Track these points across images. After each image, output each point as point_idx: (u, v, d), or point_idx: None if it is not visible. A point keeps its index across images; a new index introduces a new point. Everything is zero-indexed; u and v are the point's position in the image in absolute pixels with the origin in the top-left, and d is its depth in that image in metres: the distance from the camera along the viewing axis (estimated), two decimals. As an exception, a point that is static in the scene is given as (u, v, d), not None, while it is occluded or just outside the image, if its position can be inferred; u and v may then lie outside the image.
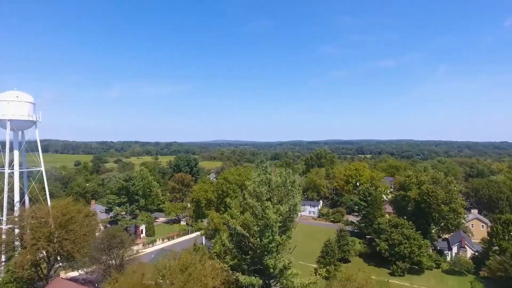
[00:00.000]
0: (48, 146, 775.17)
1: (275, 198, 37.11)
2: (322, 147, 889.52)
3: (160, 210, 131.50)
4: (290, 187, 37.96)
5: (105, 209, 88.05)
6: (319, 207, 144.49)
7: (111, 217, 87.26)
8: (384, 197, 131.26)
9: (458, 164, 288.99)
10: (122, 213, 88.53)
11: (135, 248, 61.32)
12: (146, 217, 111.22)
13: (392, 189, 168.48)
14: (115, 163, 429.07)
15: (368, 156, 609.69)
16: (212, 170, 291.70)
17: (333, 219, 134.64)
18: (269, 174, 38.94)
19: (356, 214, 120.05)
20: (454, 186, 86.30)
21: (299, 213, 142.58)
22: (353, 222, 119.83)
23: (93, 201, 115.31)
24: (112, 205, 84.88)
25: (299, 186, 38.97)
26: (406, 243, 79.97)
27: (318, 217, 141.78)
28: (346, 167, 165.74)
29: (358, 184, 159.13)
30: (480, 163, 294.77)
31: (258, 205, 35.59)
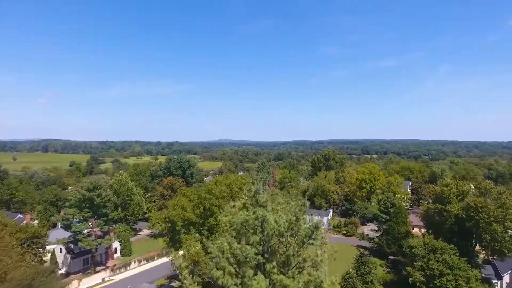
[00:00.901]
0: (48, 146, 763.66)
1: (273, 261, 18.31)
2: (326, 147, 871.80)
3: (147, 220, 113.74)
4: (305, 237, 19.15)
5: (61, 226, 69.73)
6: (329, 217, 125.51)
7: (69, 237, 68.96)
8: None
9: (473, 165, 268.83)
10: (85, 230, 70.23)
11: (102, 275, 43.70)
12: (124, 231, 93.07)
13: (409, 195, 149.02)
14: (112, 163, 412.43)
15: (375, 156, 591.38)
16: (211, 172, 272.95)
17: (345, 232, 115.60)
18: (263, 205, 19.55)
19: (375, 226, 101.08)
20: (507, 198, 66.96)
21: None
22: (371, 238, 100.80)
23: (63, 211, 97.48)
24: (70, 222, 66.72)
25: (323, 235, 19.06)
26: (449, 274, 60.93)
27: (328, 229, 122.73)
28: (359, 170, 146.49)
29: (373, 189, 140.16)
30: (499, 164, 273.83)
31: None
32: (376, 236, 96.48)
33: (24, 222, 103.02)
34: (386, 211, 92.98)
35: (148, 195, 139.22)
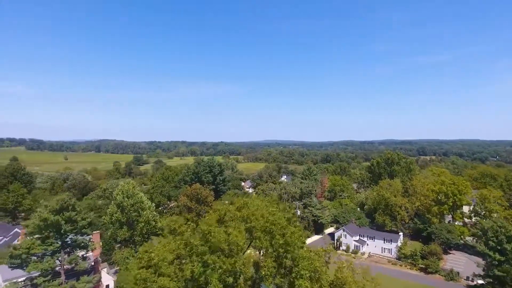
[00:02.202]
0: (101, 146, 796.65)
1: None
2: (378, 147, 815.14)
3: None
4: None
5: (9, 267, 48.64)
6: (399, 243, 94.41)
7: (24, 280, 47.62)
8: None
9: None
10: (47, 270, 48.62)
11: None
12: (127, 257, 71.24)
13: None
14: (155, 163, 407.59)
15: (433, 157, 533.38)
16: (252, 175, 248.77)
17: (424, 266, 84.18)
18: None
19: (462, 256, 69.27)
20: None
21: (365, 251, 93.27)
22: (472, 286, 69.13)
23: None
24: (22, 260, 45.32)
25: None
26: None
27: (398, 259, 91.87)
28: (436, 180, 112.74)
29: (456, 205, 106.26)
30: None
31: None
32: (482, 285, 64.75)
33: (19, 238, 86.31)
34: (499, 247, 61.17)
35: (172, 204, 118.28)
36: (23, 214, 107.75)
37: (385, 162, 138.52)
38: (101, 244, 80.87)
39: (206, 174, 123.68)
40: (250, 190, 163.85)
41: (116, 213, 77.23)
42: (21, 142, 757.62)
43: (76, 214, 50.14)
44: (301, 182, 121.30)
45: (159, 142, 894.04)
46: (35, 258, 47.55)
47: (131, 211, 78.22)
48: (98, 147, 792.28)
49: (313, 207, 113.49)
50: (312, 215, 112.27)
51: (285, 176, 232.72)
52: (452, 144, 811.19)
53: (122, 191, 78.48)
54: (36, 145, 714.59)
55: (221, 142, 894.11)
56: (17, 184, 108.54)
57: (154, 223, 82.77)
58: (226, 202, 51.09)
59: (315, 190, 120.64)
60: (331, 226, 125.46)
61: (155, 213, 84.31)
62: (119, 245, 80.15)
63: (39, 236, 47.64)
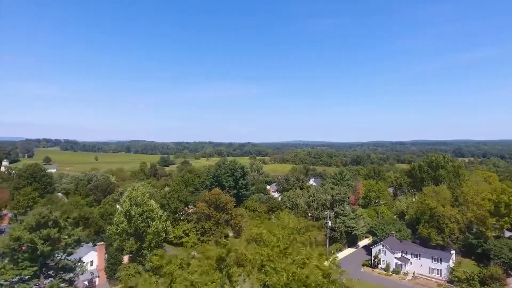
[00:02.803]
0: (131, 147, 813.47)
1: None
2: (409, 148, 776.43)
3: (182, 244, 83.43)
4: None
5: None
6: (451, 263, 79.71)
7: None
8: None
9: None
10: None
11: None
12: (133, 274, 62.37)
13: None
14: (182, 164, 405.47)
15: (472, 159, 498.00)
16: (278, 178, 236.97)
17: (484, 294, 69.44)
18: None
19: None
20: None
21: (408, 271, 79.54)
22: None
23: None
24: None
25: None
26: None
27: (449, 282, 77.32)
28: (493, 187, 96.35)
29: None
30: None
31: None
32: None
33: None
34: None
35: (190, 210, 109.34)
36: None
37: (428, 166, 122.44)
38: (105, 257, 72.75)
39: (227, 178, 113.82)
40: (276, 195, 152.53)
41: (122, 223, 68.73)
42: (56, 142, 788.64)
43: (59, 231, 41.30)
44: (332, 188, 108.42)
45: (187, 142, 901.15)
46: (7, 284, 39.01)
47: (139, 221, 69.45)
48: (128, 147, 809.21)
49: (346, 216, 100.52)
50: (345, 226, 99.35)
51: (313, 179, 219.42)
52: (491, 145, 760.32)
53: (130, 198, 69.87)
54: (70, 146, 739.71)
55: (248, 142, 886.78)
56: (29, 188, 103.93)
57: (164, 234, 73.62)
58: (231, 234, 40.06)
59: (348, 197, 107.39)
60: (365, 237, 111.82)
61: (167, 223, 75.13)
62: (128, 255, 71.73)
63: (12, 258, 39.11)
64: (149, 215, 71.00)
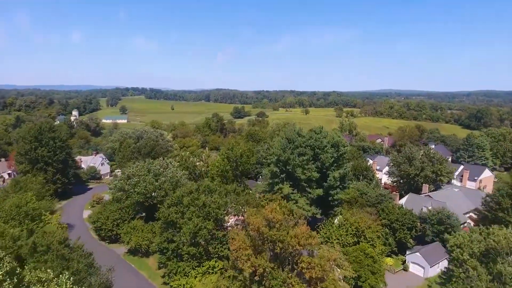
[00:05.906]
0: (210, 95, 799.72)
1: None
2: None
3: None
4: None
5: None
6: None
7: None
8: None
9: None
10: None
11: None
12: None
13: None
14: (259, 116, 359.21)
15: None
16: (381, 141, 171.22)
17: None
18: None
19: None
20: None
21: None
22: None
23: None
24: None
25: None
26: None
27: None
28: None
29: None
30: None
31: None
32: None
33: None
34: None
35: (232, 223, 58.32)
36: None
37: None
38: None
39: (305, 167, 57.74)
40: (384, 177, 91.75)
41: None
42: (143, 91, 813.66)
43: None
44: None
45: (267, 91, 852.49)
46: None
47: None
48: (208, 96, 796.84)
49: None
50: None
51: (432, 146, 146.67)
52: None
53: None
54: (153, 94, 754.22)
55: (333, 91, 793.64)
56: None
57: None
58: None
59: None
60: None
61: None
62: None
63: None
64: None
